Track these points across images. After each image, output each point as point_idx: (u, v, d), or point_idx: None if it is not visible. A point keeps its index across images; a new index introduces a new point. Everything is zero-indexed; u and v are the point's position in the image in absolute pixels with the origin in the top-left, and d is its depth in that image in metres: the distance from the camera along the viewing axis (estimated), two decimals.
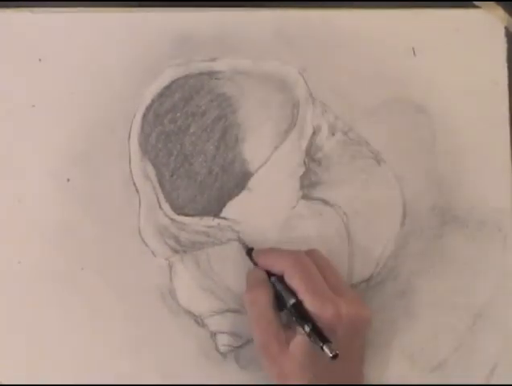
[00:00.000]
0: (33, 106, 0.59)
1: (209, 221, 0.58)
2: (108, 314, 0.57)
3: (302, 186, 0.59)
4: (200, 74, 0.59)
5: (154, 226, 0.58)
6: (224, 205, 0.58)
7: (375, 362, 0.58)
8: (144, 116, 0.58)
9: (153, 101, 0.59)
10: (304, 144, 0.59)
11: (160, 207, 0.58)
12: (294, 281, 0.52)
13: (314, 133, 0.59)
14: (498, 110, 0.61)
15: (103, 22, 0.60)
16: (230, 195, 0.58)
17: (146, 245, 0.58)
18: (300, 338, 0.51)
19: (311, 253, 0.55)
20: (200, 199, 0.58)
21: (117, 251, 0.57)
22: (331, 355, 0.48)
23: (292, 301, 0.52)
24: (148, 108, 0.59)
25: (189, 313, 0.57)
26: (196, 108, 0.58)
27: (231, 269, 0.58)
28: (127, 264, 0.57)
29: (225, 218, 0.58)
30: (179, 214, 0.58)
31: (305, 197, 0.59)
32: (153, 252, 0.58)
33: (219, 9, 0.60)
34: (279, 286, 0.53)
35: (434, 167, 0.60)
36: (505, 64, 0.61)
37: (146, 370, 0.57)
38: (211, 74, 0.59)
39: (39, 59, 0.59)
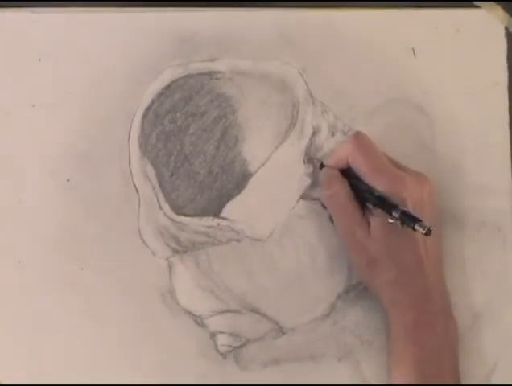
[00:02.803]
0: (33, 106, 0.59)
1: (209, 221, 0.58)
2: (108, 314, 0.57)
3: (301, 187, 0.59)
4: (200, 74, 0.59)
5: (154, 226, 0.58)
6: (224, 205, 0.58)
7: (375, 362, 0.58)
8: (144, 116, 0.58)
9: (153, 101, 0.59)
10: (304, 144, 0.59)
11: (160, 207, 0.58)
12: (359, 163, 0.55)
13: (314, 134, 0.59)
14: (498, 110, 0.61)
15: (103, 22, 0.60)
16: (230, 195, 0.58)
17: (146, 245, 0.58)
18: (379, 221, 0.53)
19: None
20: (199, 199, 0.58)
21: (117, 251, 0.57)
22: (424, 231, 0.50)
23: (377, 193, 0.54)
24: (148, 109, 0.58)
25: (189, 313, 0.57)
26: (196, 109, 0.58)
27: (231, 270, 0.58)
28: (127, 265, 0.57)
29: (224, 218, 0.58)
30: (178, 214, 0.58)
31: (305, 197, 0.59)
32: (153, 253, 0.58)
33: (219, 9, 0.60)
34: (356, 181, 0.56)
35: (434, 167, 0.60)
36: (506, 64, 0.61)
37: (146, 370, 0.57)
38: (211, 74, 0.59)
39: (39, 59, 0.59)
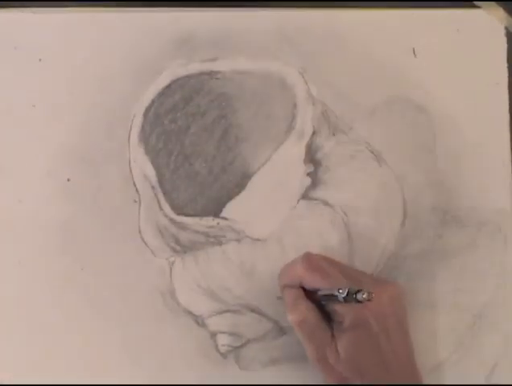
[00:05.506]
0: (33, 106, 0.59)
1: (209, 221, 0.58)
2: (108, 314, 0.57)
3: (302, 187, 0.59)
4: (201, 74, 0.59)
5: (154, 226, 0.58)
6: (224, 205, 0.58)
7: None
8: (144, 116, 0.58)
9: (153, 101, 0.59)
10: (304, 144, 0.59)
11: (160, 207, 0.58)
12: (316, 284, 0.52)
13: (314, 133, 0.59)
14: (498, 110, 0.61)
15: (103, 22, 0.60)
16: (230, 195, 0.58)
17: (146, 245, 0.58)
18: (347, 340, 0.52)
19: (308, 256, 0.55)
20: (200, 199, 0.58)
21: (117, 251, 0.57)
22: (366, 297, 0.48)
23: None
24: (148, 109, 0.59)
25: (189, 313, 0.57)
26: (197, 109, 0.58)
27: (231, 270, 0.58)
28: (127, 265, 0.57)
29: (225, 218, 0.58)
30: (179, 214, 0.58)
31: (305, 197, 0.59)
32: (153, 253, 0.58)
33: (219, 9, 0.60)
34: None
35: (434, 167, 0.60)
36: (506, 64, 0.61)
37: (146, 370, 0.57)
38: (211, 74, 0.59)
39: (40, 59, 0.59)
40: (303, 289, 0.53)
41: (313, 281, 0.53)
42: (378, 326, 0.51)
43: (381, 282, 0.55)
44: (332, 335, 0.52)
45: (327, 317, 0.53)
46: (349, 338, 0.51)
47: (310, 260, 0.54)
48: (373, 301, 0.50)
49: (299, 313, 0.52)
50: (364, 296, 0.48)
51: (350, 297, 0.49)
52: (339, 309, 0.52)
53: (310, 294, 0.53)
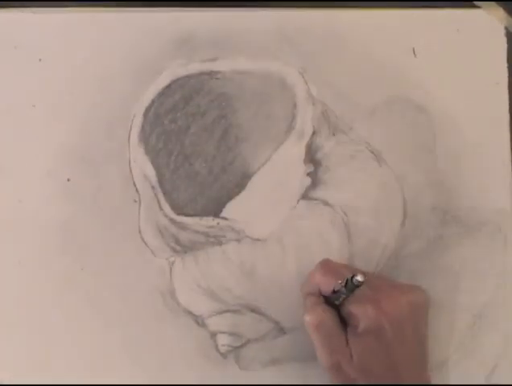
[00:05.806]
0: (33, 106, 0.59)
1: (209, 221, 0.58)
2: (108, 314, 0.57)
3: (302, 187, 0.59)
4: (201, 74, 0.59)
5: (154, 226, 0.58)
6: (224, 205, 0.58)
7: None
8: (144, 116, 0.58)
9: (153, 101, 0.59)
10: (304, 144, 0.59)
11: (160, 207, 0.58)
12: (332, 287, 0.52)
13: (314, 133, 0.59)
14: (498, 110, 0.61)
15: (103, 22, 0.60)
16: (230, 195, 0.58)
17: (146, 245, 0.58)
18: (361, 347, 0.51)
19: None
20: (200, 199, 0.58)
21: (117, 251, 0.57)
22: (360, 279, 0.48)
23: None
24: (148, 109, 0.59)
25: (189, 313, 0.57)
26: (197, 109, 0.59)
27: (231, 270, 0.58)
28: (127, 265, 0.57)
29: (225, 218, 0.58)
30: (178, 214, 0.58)
31: (305, 197, 0.59)
32: (153, 252, 0.58)
33: (219, 9, 0.60)
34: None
35: (434, 167, 0.60)
36: (506, 64, 0.61)
37: (146, 370, 0.57)
38: (211, 74, 0.59)
39: (40, 59, 0.59)
40: (325, 298, 0.54)
41: (329, 285, 0.53)
42: (393, 332, 0.51)
43: (401, 287, 0.54)
44: (347, 340, 0.52)
45: (343, 323, 0.53)
46: (362, 343, 0.51)
47: (326, 266, 0.54)
48: (390, 306, 0.51)
49: (316, 315, 0.52)
50: (358, 278, 0.48)
51: (349, 284, 0.49)
52: (354, 310, 0.51)
53: (328, 303, 0.53)
